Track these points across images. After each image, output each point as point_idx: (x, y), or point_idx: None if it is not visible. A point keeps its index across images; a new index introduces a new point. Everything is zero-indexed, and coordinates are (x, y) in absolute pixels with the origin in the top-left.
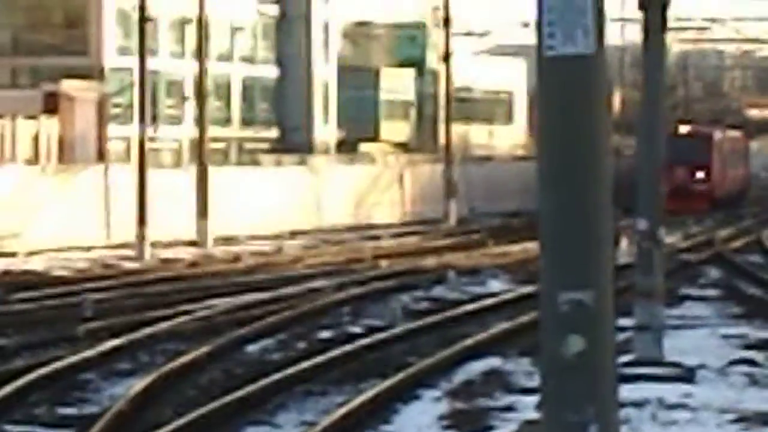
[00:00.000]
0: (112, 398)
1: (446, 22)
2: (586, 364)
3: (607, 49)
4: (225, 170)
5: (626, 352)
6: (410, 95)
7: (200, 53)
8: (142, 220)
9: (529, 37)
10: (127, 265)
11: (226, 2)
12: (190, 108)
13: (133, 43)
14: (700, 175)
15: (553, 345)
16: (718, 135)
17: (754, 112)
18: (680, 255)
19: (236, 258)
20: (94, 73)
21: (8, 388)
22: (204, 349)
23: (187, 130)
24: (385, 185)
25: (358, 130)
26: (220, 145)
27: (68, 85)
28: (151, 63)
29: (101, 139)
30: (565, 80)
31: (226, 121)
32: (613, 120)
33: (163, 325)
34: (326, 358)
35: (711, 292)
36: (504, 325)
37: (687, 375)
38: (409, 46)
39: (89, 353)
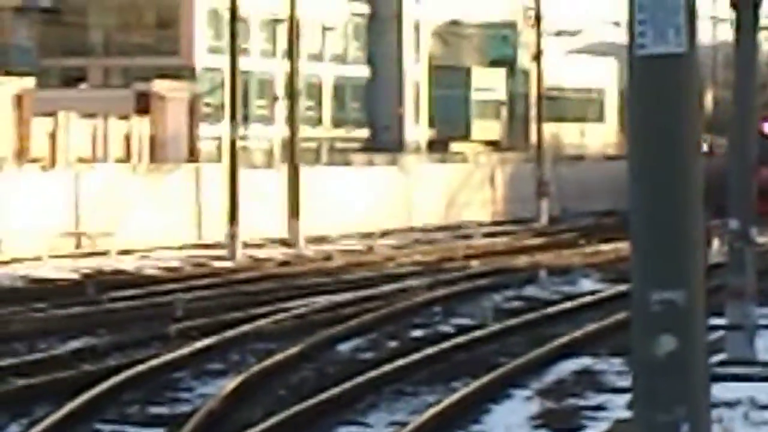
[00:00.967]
0: (204, 397)
1: (537, 21)
2: (677, 363)
3: (698, 48)
4: (316, 170)
5: (718, 351)
6: (501, 94)
7: (291, 53)
8: (233, 220)
9: (621, 36)
10: (218, 265)
11: (317, 2)
12: (281, 108)
13: (224, 42)
14: None
15: (645, 345)
16: None
17: None
18: None
19: (327, 257)
20: (185, 72)
21: (100, 387)
22: (295, 348)
23: (278, 130)
24: (477, 184)
25: (449, 129)
26: (312, 145)
27: (160, 85)
28: (242, 63)
29: (192, 138)
30: (657, 79)
31: (317, 121)
32: (704, 119)
33: (255, 325)
34: (417, 358)
35: None
36: (595, 325)
37: None
38: (500, 46)
39: (181, 352)
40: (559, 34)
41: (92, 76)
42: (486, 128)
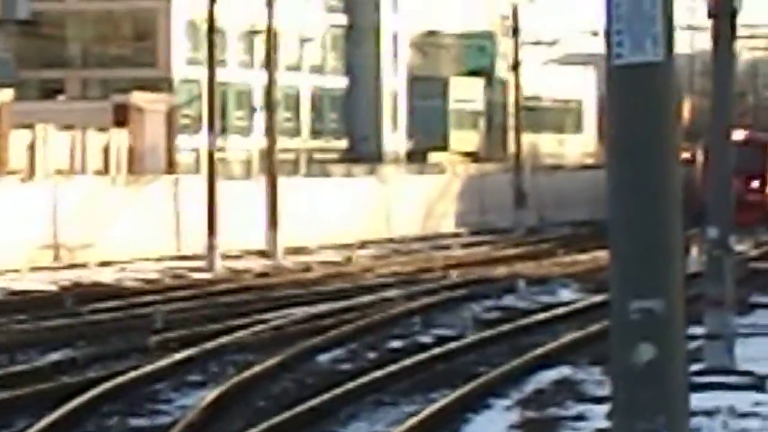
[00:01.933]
0: (183, 409)
1: (515, 31)
2: (656, 372)
3: (676, 57)
4: (295, 181)
5: (697, 360)
6: (479, 105)
7: (269, 64)
8: (211, 231)
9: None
10: (197, 276)
11: (295, 13)
12: (260, 119)
13: (202, 54)
14: (754, 184)
15: (624, 354)
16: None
17: None
18: (751, 263)
19: (306, 268)
20: (163, 84)
21: (80, 399)
22: (275, 359)
23: (257, 141)
24: (455, 195)
25: (427, 139)
26: (290, 156)
27: (138, 97)
28: (220, 74)
29: (171, 150)
30: (635, 88)
31: (296, 132)
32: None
33: (234, 336)
34: (397, 368)
35: None
36: (574, 334)
37: (758, 383)
38: (478, 56)
39: (160, 364)
40: (536, 44)
41: (70, 88)
42: (464, 138)
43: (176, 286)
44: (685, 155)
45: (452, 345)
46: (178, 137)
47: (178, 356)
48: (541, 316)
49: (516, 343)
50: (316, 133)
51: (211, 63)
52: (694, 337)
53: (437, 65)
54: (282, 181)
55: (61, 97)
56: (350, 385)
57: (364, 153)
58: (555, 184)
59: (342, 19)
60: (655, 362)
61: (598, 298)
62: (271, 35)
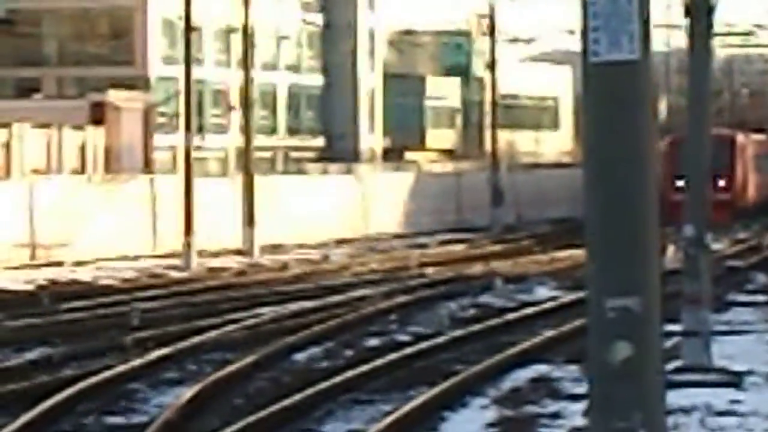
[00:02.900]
0: (160, 407)
1: (491, 29)
2: (633, 370)
3: (652, 55)
4: (271, 179)
5: (674, 358)
6: (456, 103)
7: (246, 62)
8: (188, 230)
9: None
10: (173, 275)
11: (271, 11)
12: (236, 117)
13: (179, 52)
14: (720, 183)
15: (601, 351)
16: (741, 139)
17: None
18: (727, 261)
19: (283, 266)
20: (139, 82)
21: (56, 398)
22: (251, 357)
23: (233, 139)
24: (432, 193)
25: (404, 138)
26: (267, 154)
27: (114, 95)
28: (197, 72)
29: (147, 148)
30: (611, 86)
31: (272, 130)
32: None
33: (211, 334)
34: (373, 366)
35: (759, 298)
36: (551, 332)
37: (735, 381)
38: (454, 54)
39: (137, 363)
40: (513, 41)
41: (46, 87)
42: (441, 136)
43: (153, 285)
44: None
45: (429, 343)
46: (155, 136)
47: (154, 355)
48: (518, 314)
49: (493, 341)
50: (292, 132)
51: (188, 61)
52: (670, 335)
53: (414, 63)
54: (258, 180)
55: (37, 96)
56: (327, 383)
57: (340, 151)
58: (532, 182)
59: (318, 17)
60: (631, 360)
61: (575, 295)
62: (247, 33)
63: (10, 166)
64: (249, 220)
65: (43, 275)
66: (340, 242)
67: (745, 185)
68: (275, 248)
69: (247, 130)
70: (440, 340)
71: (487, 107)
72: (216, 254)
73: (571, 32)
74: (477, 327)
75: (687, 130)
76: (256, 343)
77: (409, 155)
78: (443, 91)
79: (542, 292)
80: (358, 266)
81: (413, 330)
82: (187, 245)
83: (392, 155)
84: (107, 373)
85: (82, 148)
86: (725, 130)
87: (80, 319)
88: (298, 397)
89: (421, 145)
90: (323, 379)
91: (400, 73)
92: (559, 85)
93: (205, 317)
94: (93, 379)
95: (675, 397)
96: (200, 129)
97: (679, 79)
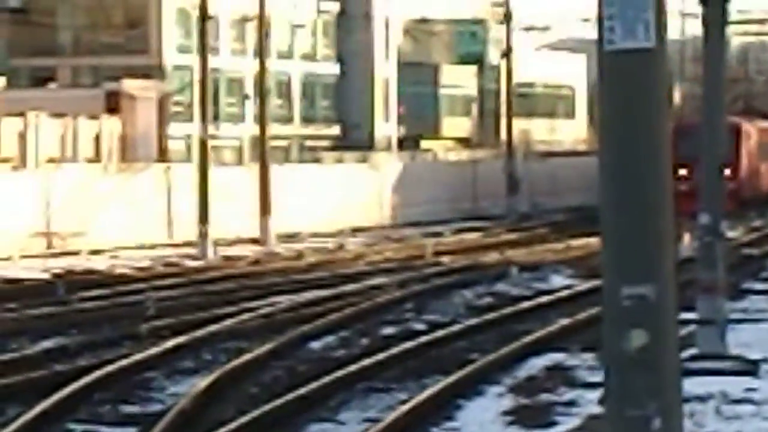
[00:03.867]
0: (176, 396)
1: (507, 17)
2: (648, 358)
3: (667, 43)
4: (286, 168)
5: (689, 346)
6: (471, 91)
7: (261, 51)
8: (203, 218)
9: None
10: (189, 264)
11: (286, 0)
12: (251, 106)
13: (194, 41)
14: (725, 172)
15: (616, 340)
16: (747, 126)
17: None
18: (742, 249)
19: (298, 255)
20: (154, 71)
21: (72, 387)
22: (267, 346)
23: (248, 128)
24: (447, 181)
25: (419, 126)
26: (282, 143)
27: (129, 84)
28: (212, 61)
29: (162, 137)
30: (626, 74)
31: (287, 119)
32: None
33: (226, 323)
34: (389, 355)
35: None
36: (566, 321)
37: (750, 369)
38: (469, 42)
39: (152, 352)
40: (528, 30)
41: (61, 76)
42: (456, 125)
43: (168, 274)
44: None
45: (444, 331)
46: (170, 125)
47: (170, 344)
48: (533, 302)
49: (508, 330)
50: (307, 120)
51: (203, 50)
52: (686, 323)
53: (429, 52)
54: (273, 169)
55: (52, 85)
56: (342, 372)
57: (355, 140)
58: (547, 171)
59: (333, 5)
60: (647, 348)
61: (590, 284)
62: (262, 22)
63: (26, 155)
64: (264, 208)
65: (59, 264)
66: (356, 231)
67: (751, 174)
68: (291, 237)
69: (262, 119)
70: (455, 328)
71: (503, 96)
72: (231, 243)
73: (587, 20)
74: (492, 315)
75: (702, 118)
76: (272, 331)
77: (424, 144)
78: (458, 80)
79: (557, 280)
80: (374, 255)
81: (429, 318)
82: (203, 234)
83: (407, 144)
84: (123, 362)
85: (98, 138)
86: (731, 117)
87: (96, 308)
88: (313, 385)
89: (436, 134)
90: (339, 368)
91: (415, 62)
92: (575, 74)
93: (221, 306)
94: (109, 368)
95: (691, 386)
96: (215, 118)
97: (695, 67)
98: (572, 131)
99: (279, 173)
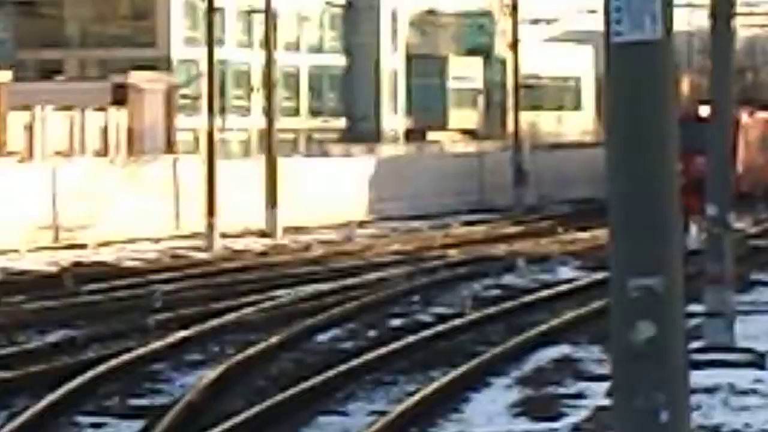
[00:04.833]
0: (183, 389)
1: (513, 9)
2: (656, 350)
3: (674, 35)
4: (294, 160)
5: (697, 338)
6: (478, 83)
7: (268, 43)
8: (211, 211)
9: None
10: (196, 256)
11: None
12: (258, 98)
13: (201, 33)
14: None
15: (623, 332)
16: (745, 118)
17: None
18: (750, 240)
19: (306, 247)
20: (161, 64)
21: (79, 380)
22: (274, 339)
23: (256, 121)
24: (454, 173)
25: (426, 118)
26: (289, 135)
27: (136, 77)
28: (219, 53)
29: (170, 130)
30: (633, 66)
31: (295, 111)
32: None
33: (233, 316)
34: (396, 347)
35: None
36: (574, 313)
37: (758, 360)
38: (476, 34)
39: (160, 344)
40: (535, 22)
41: (69, 68)
42: (463, 117)
43: (175, 266)
44: None
45: (452, 323)
46: (177, 117)
47: (177, 336)
48: (541, 294)
49: (515, 322)
50: (314, 113)
51: (210, 42)
52: (693, 315)
53: (436, 44)
54: (281, 161)
55: (59, 78)
56: (350, 364)
57: (363, 132)
58: (554, 162)
59: None
60: (654, 340)
61: (597, 276)
62: (269, 14)
63: (33, 148)
64: (272, 201)
65: (66, 257)
66: (363, 223)
67: (749, 168)
68: (298, 229)
69: (269, 111)
70: (463, 320)
71: (510, 88)
72: (239, 235)
73: (593, 12)
74: (499, 307)
75: (710, 110)
76: (279, 323)
77: (431, 136)
78: (466, 72)
79: (565, 272)
80: (381, 247)
81: (436, 311)
82: (210, 227)
83: (414, 136)
84: (130, 355)
85: (105, 130)
86: None
87: (103, 301)
88: (320, 377)
89: (443, 126)
90: (346, 360)
91: (422, 54)
92: (581, 66)
93: (228, 298)
94: (116, 361)
95: (698, 377)
96: (222, 110)
97: (702, 59)
98: (579, 123)
99: (286, 165)
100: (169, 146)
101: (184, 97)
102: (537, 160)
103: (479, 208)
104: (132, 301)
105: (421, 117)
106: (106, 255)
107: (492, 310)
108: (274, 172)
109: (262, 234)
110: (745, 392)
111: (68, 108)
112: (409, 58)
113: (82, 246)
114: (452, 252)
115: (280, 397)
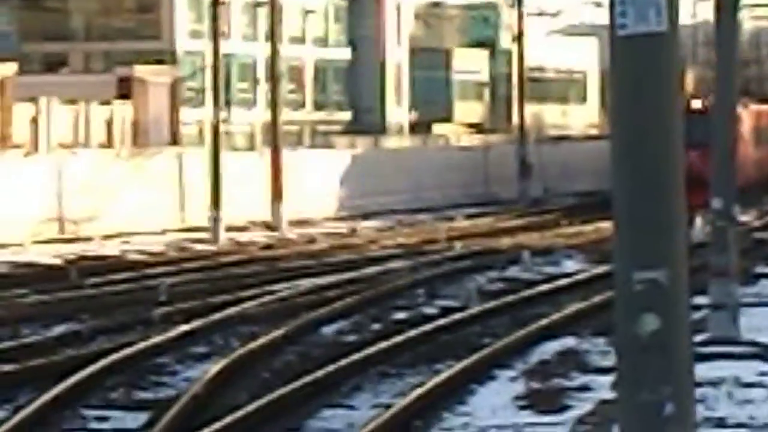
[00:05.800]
0: (188, 381)
1: (518, 2)
2: (660, 343)
3: (679, 28)
4: (298, 153)
5: (701, 331)
6: (483, 76)
7: (273, 36)
8: (216, 204)
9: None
10: (201, 249)
11: None
12: (263, 91)
13: (206, 26)
14: None
15: (628, 324)
16: (741, 111)
17: None
18: (755, 233)
19: (310, 240)
20: (166, 57)
21: (84, 372)
22: (279, 331)
23: (260, 113)
24: (459, 166)
25: (431, 111)
26: (294, 128)
27: (141, 70)
28: (224, 46)
29: (174, 122)
30: (638, 59)
31: (299, 104)
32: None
33: (238, 308)
34: (401, 340)
35: None
36: (578, 305)
37: (763, 353)
38: (481, 27)
39: (164, 337)
40: (540, 14)
41: (73, 61)
42: (468, 110)
43: (180, 259)
44: None
45: (456, 316)
46: (182, 110)
47: (182, 329)
48: (545, 287)
49: (520, 314)
50: (319, 105)
51: (215, 35)
52: (698, 308)
53: (441, 36)
54: (285, 153)
55: (64, 71)
56: (354, 356)
57: (367, 125)
58: (559, 155)
59: None
60: (659, 333)
61: (602, 268)
62: (274, 7)
63: (38, 141)
64: (276, 193)
65: (71, 250)
66: (368, 215)
67: (744, 161)
68: (303, 222)
69: (274, 104)
70: (468, 313)
71: (515, 80)
72: (243, 228)
73: (598, 4)
74: (504, 300)
75: (714, 102)
76: (284, 316)
77: (436, 128)
78: (470, 65)
79: (569, 265)
80: (386, 240)
81: (441, 303)
82: (215, 219)
83: (419, 129)
84: (135, 348)
85: (110, 123)
86: None
87: (108, 294)
88: (325, 370)
89: (448, 119)
90: (351, 353)
91: (427, 47)
92: (586, 58)
93: (233, 291)
94: (120, 354)
95: (703, 370)
96: (227, 103)
97: (707, 51)
98: (584, 116)
99: (291, 158)
100: (174, 139)
101: (189, 89)
102: (542, 153)
103: (484, 200)
104: (136, 294)
105: (426, 110)
106: (111, 248)
107: (496, 302)
108: (278, 165)
109: (267, 227)
110: (749, 385)
111: (73, 101)
112: (414, 51)
113: (87, 239)
114: (457, 245)
115: (284, 389)
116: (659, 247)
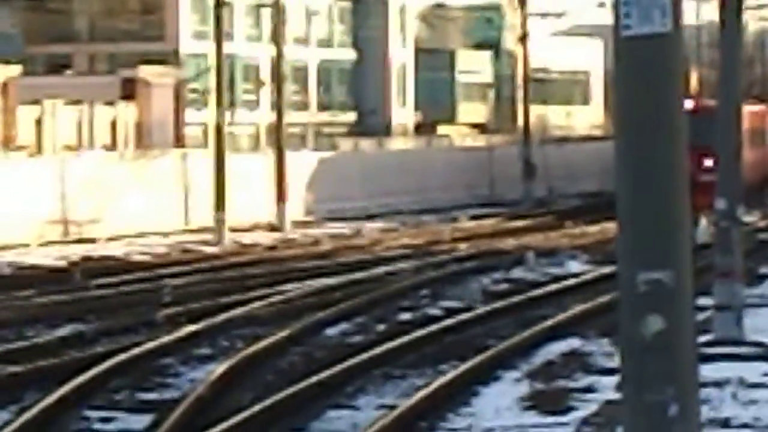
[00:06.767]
0: (192, 383)
1: (522, 3)
2: (665, 344)
3: (683, 28)
4: (302, 154)
5: (706, 331)
6: (487, 77)
7: (277, 37)
8: (220, 205)
9: (606, 17)
10: (205, 250)
11: None
12: (267, 92)
13: (209, 27)
14: (708, 162)
15: (633, 325)
16: None
17: None
18: (759, 234)
19: (315, 241)
20: (170, 58)
21: (89, 374)
22: (283, 333)
23: (264, 115)
24: (463, 167)
25: (435, 112)
26: (298, 130)
27: (145, 71)
28: (228, 47)
29: (178, 124)
30: (642, 60)
31: (303, 105)
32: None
33: (242, 310)
34: (405, 341)
35: None
36: (583, 306)
37: (767, 354)
38: (485, 28)
39: (168, 338)
40: (544, 15)
41: (78, 63)
42: (472, 111)
43: (184, 261)
44: None
45: (461, 317)
46: (186, 111)
47: (186, 330)
48: (550, 288)
49: (525, 315)
50: (323, 107)
51: (219, 37)
52: (703, 308)
53: (444, 38)
54: (290, 155)
55: (68, 72)
56: (359, 358)
57: (371, 126)
58: (563, 156)
59: None
60: (664, 333)
61: (606, 269)
62: (278, 8)
63: (42, 142)
64: (280, 195)
65: (75, 251)
66: (372, 217)
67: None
68: (307, 223)
69: (278, 105)
70: (472, 314)
71: (519, 81)
72: (248, 230)
73: (602, 5)
74: (509, 301)
75: (718, 104)
76: (288, 318)
77: (440, 130)
78: (474, 66)
79: (574, 265)
80: (390, 241)
81: (445, 304)
82: (219, 221)
83: (424, 130)
84: (139, 349)
85: (114, 124)
86: (712, 101)
87: (112, 295)
88: (330, 372)
89: (452, 120)
90: (355, 354)
91: (431, 48)
92: (590, 59)
93: (237, 292)
94: (125, 355)
95: (707, 371)
96: (231, 104)
97: (711, 52)
98: (588, 117)
99: (295, 159)
100: (178, 140)
101: (193, 91)
102: (546, 154)
103: (488, 201)
104: (141, 295)
105: (430, 111)
106: (115, 249)
107: (501, 303)
108: (282, 167)
109: (271, 228)
110: (754, 385)
111: (77, 102)
112: (418, 52)
113: (92, 240)
114: (461, 246)
115: (289, 391)
116: (664, 247)
